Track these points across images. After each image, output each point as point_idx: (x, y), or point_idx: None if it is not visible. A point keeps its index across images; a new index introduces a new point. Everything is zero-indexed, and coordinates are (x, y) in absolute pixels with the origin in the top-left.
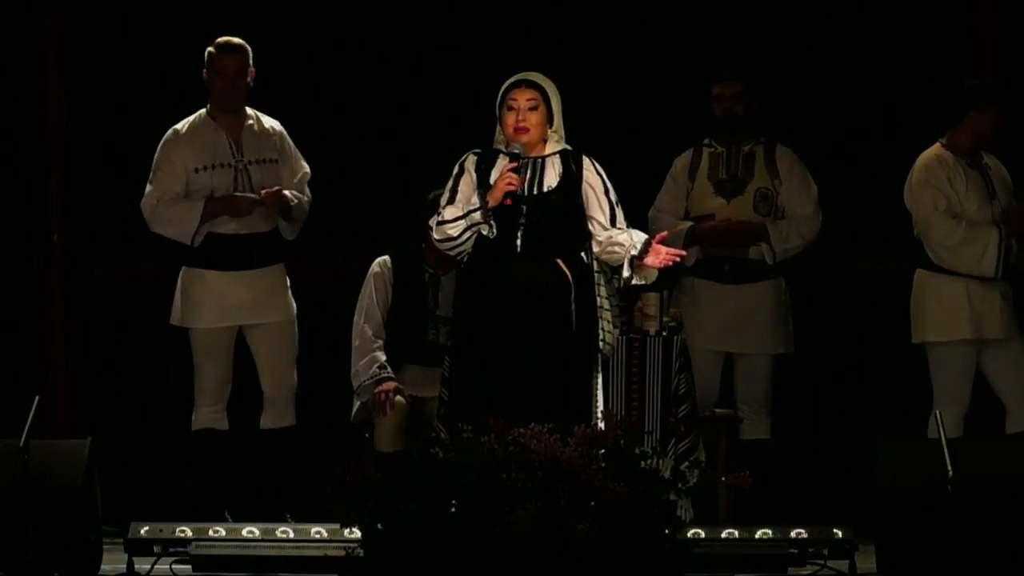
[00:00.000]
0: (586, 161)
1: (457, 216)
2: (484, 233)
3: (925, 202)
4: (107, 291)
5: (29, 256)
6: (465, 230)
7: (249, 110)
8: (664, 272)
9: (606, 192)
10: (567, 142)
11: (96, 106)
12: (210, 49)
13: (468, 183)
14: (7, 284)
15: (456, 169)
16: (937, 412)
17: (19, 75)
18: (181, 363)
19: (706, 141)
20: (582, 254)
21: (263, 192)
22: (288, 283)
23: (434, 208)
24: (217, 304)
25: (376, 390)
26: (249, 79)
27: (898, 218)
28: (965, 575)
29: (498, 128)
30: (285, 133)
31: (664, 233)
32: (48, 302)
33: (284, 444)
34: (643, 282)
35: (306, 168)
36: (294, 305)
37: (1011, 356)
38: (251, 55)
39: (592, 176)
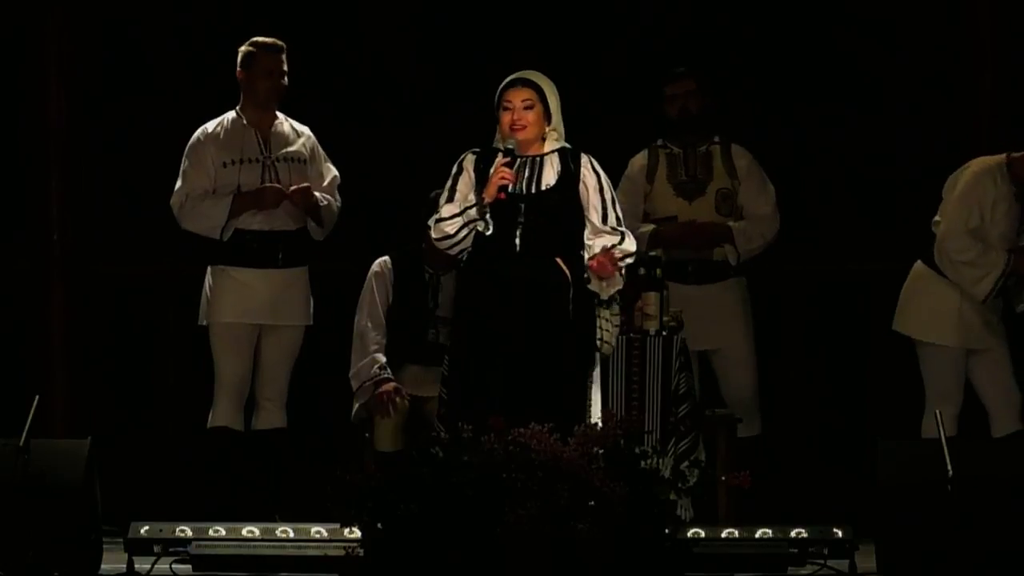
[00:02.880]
0: (584, 159)
1: (454, 213)
2: (480, 230)
3: (959, 211)
4: (107, 291)
5: (29, 256)
6: (462, 227)
7: (279, 113)
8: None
9: (600, 191)
10: (567, 141)
11: (96, 106)
12: (249, 48)
13: (466, 182)
14: (7, 284)
15: (455, 168)
16: (937, 412)
17: (19, 75)
18: (182, 363)
19: (660, 142)
20: (582, 252)
21: (291, 188)
22: (309, 287)
23: (434, 207)
24: (241, 300)
25: (378, 391)
26: (286, 81)
27: (898, 217)
28: (965, 575)
29: (497, 129)
30: (314, 138)
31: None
32: (48, 302)
33: (277, 445)
34: (607, 295)
35: (335, 172)
36: (311, 310)
37: (994, 362)
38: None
39: (588, 174)
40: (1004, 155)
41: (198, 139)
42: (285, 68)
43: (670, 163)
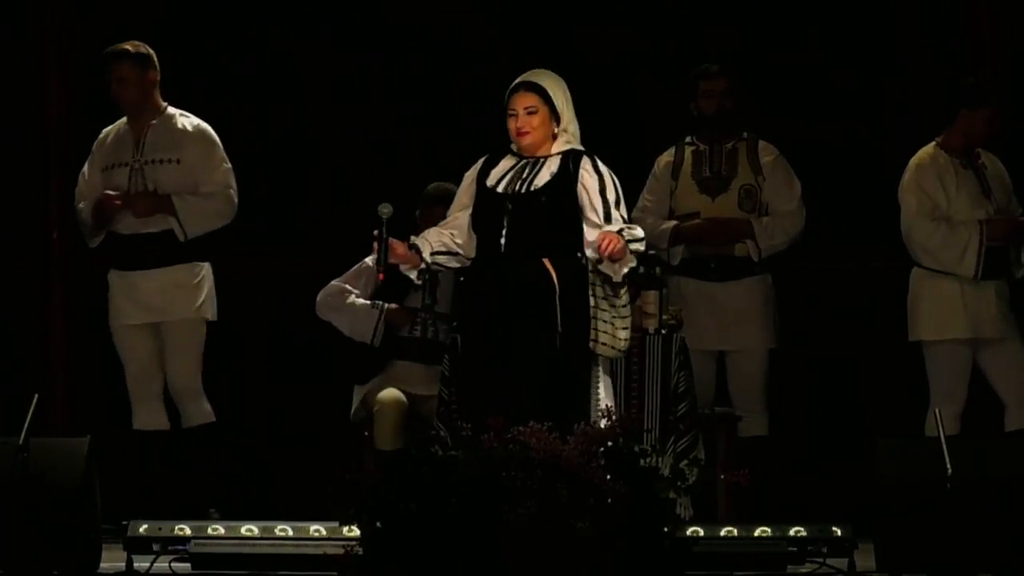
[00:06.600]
0: (584, 160)
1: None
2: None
3: (910, 204)
4: (107, 291)
5: (29, 255)
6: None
7: (171, 109)
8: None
9: (602, 191)
10: (585, 140)
11: (96, 105)
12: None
13: (468, 193)
14: (7, 283)
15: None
16: (936, 410)
17: (19, 75)
18: None
19: (688, 139)
20: (578, 255)
21: (131, 194)
22: (200, 282)
23: (430, 201)
24: (126, 302)
25: (389, 315)
26: (146, 85)
27: (898, 217)
28: (964, 573)
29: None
30: (207, 132)
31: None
32: (48, 301)
33: (205, 441)
34: (620, 276)
35: (226, 166)
36: (205, 303)
37: (1009, 354)
38: (148, 59)
39: (587, 176)
40: (934, 141)
41: (95, 143)
42: (135, 75)
43: (695, 160)
